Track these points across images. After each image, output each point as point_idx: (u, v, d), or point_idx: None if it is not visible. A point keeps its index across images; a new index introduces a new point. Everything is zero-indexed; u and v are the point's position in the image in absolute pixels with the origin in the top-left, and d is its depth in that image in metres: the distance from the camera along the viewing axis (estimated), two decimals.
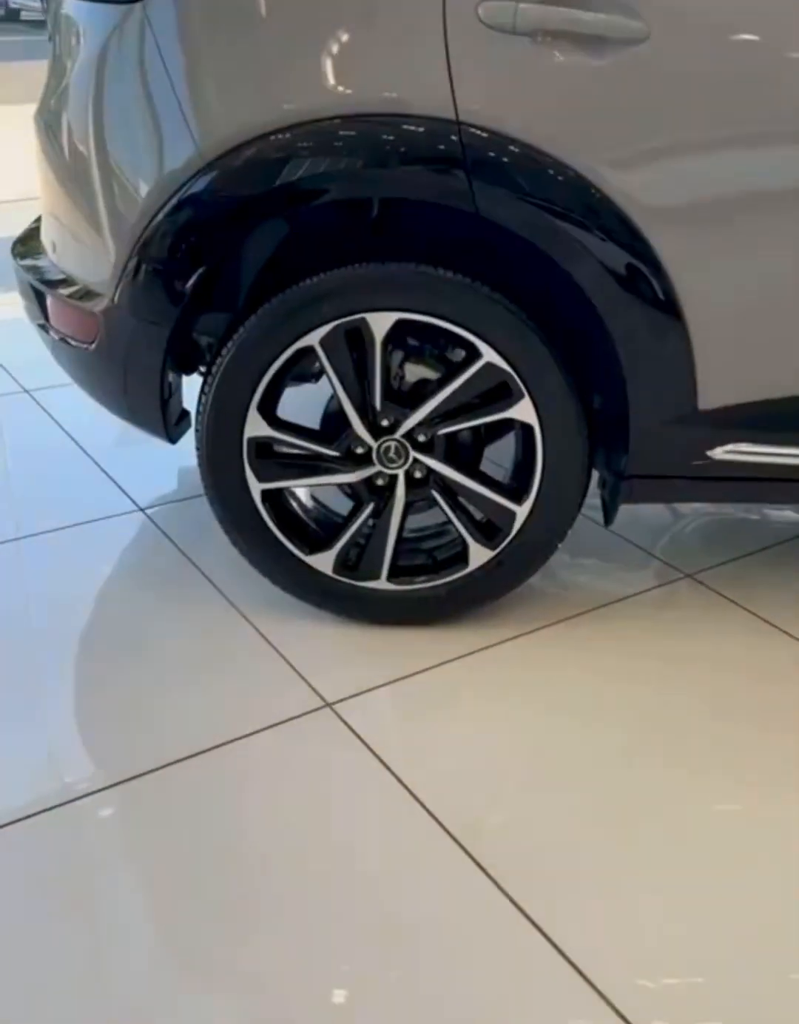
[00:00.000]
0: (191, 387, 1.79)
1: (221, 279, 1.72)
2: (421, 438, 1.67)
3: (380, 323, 1.58)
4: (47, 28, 1.89)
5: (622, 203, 1.44)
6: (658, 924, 1.28)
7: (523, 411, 1.61)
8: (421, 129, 1.45)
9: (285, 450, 1.71)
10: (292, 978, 1.20)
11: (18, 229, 2.14)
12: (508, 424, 1.67)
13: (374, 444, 1.68)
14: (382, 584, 1.76)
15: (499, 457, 1.83)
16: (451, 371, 1.63)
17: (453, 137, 1.44)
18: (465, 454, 1.71)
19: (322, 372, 1.66)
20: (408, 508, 1.73)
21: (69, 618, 1.85)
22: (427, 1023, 1.15)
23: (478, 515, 1.73)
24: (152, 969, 1.21)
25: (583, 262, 1.48)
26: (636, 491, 1.68)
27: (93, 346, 1.72)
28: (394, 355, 1.67)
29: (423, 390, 1.67)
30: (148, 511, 2.21)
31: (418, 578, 1.77)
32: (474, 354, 1.59)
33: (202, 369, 1.85)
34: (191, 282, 1.59)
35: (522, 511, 1.68)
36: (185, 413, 1.85)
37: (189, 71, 1.51)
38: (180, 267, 1.59)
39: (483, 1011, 1.17)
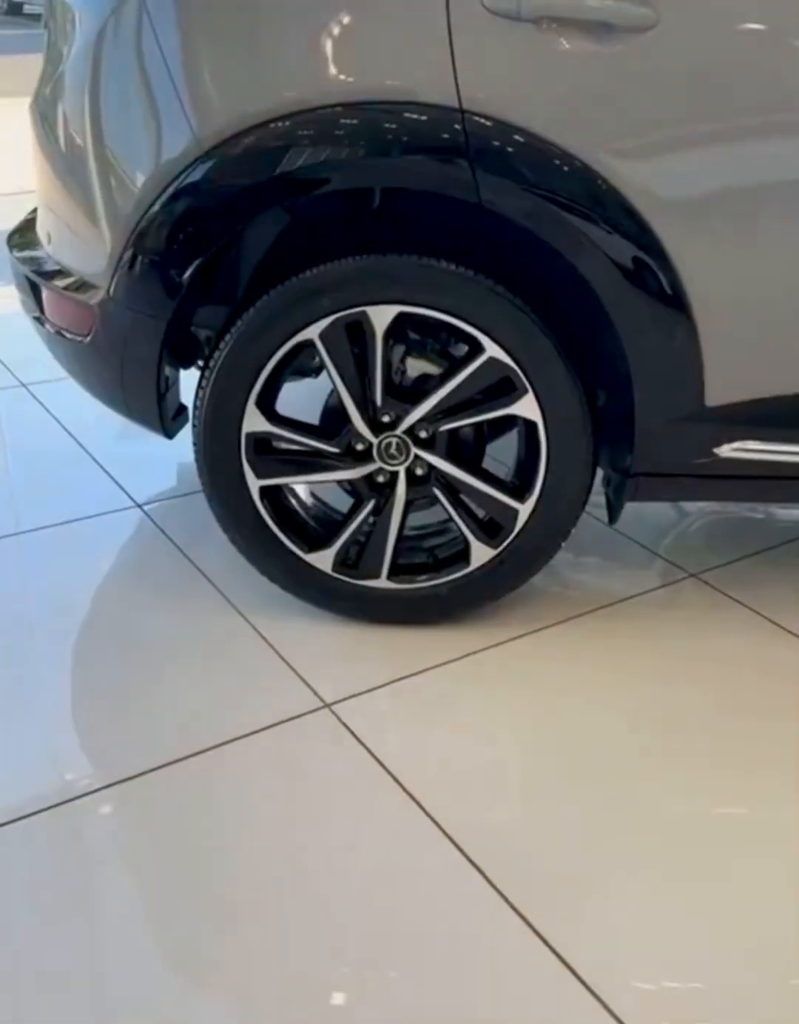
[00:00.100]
0: (189, 381, 1.77)
1: (219, 271, 1.71)
2: (422, 434, 1.65)
3: (381, 316, 1.56)
4: (43, 16, 1.87)
5: (629, 194, 1.41)
6: (657, 927, 1.26)
7: (526, 407, 1.59)
8: (424, 117, 1.43)
9: (284, 446, 1.69)
10: (290, 978, 1.19)
11: (15, 222, 2.12)
12: (511, 420, 1.65)
13: (375, 440, 1.65)
14: (382, 583, 1.74)
15: (502, 454, 1.81)
16: (453, 366, 1.62)
17: (456, 126, 1.41)
18: (467, 451, 1.69)
19: (322, 366, 1.64)
20: (409, 506, 1.71)
21: (66, 615, 1.84)
22: None
23: (480, 513, 1.71)
24: (148, 969, 1.20)
25: (589, 255, 1.46)
26: (641, 489, 1.66)
27: (89, 339, 1.71)
28: (395, 349, 1.65)
29: (425, 385, 1.65)
30: (146, 507, 2.19)
31: (419, 577, 1.75)
32: (477, 349, 1.57)
33: (200, 363, 1.83)
34: (188, 274, 1.57)
35: (525, 509, 1.67)
36: (182, 408, 1.84)
37: (186, 57, 1.48)
38: (177, 258, 1.57)
39: (479, 1013, 1.16)
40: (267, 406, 1.65)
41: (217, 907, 1.28)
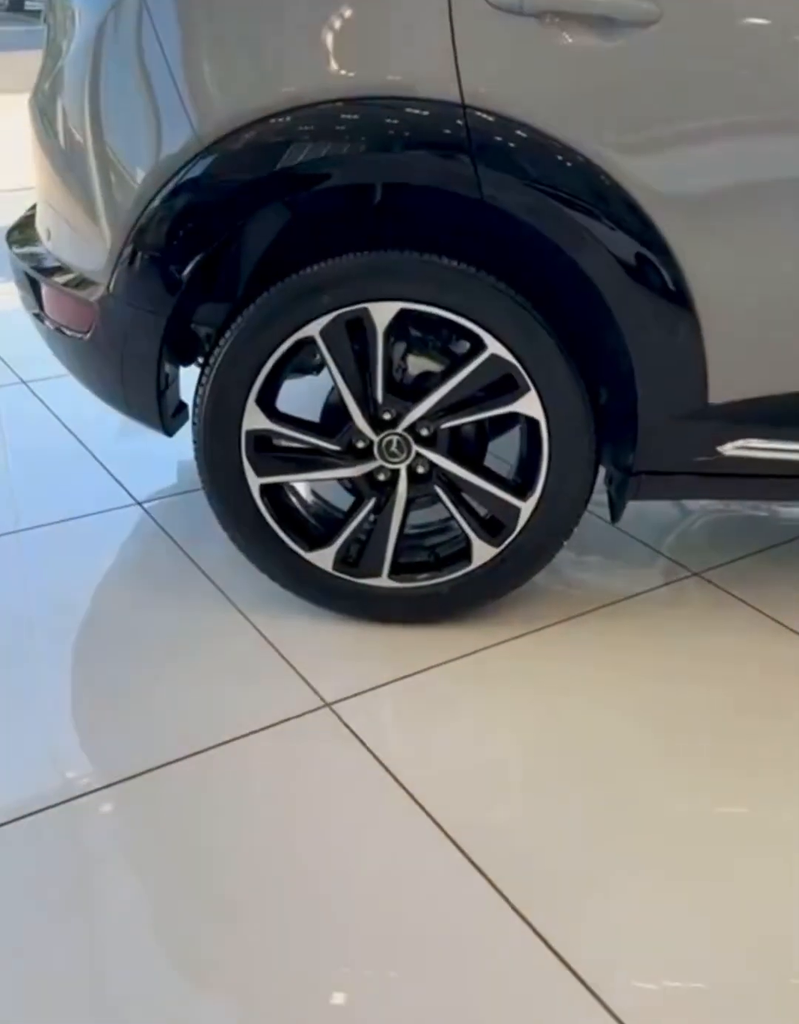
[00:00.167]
0: (189, 379, 1.77)
1: (220, 267, 1.70)
2: (424, 432, 1.64)
3: (382, 313, 1.55)
4: (43, 12, 1.86)
5: (632, 190, 1.40)
6: (658, 927, 1.26)
7: (528, 405, 1.58)
8: (425, 113, 1.42)
9: (284, 444, 1.68)
10: (290, 978, 1.19)
11: (15, 218, 2.11)
12: (513, 418, 1.64)
13: (375, 438, 1.65)
14: (383, 581, 1.73)
15: (504, 452, 1.80)
16: (455, 363, 1.61)
17: (458, 121, 1.40)
18: (469, 449, 1.69)
19: (323, 364, 1.63)
20: (410, 504, 1.70)
21: (66, 614, 1.83)
22: None
23: (482, 511, 1.70)
24: (148, 968, 1.20)
25: (591, 251, 1.45)
26: (643, 487, 1.65)
27: (88, 336, 1.70)
28: (396, 346, 1.64)
29: (426, 382, 1.64)
30: (146, 505, 2.19)
31: (420, 575, 1.74)
32: (478, 346, 1.56)
33: (200, 360, 1.82)
34: (188, 270, 1.56)
35: (527, 507, 1.66)
36: (182, 405, 1.83)
37: (186, 52, 1.47)
38: (177, 255, 1.56)
39: (479, 1013, 1.16)
40: (267, 403, 1.64)
41: (217, 907, 1.28)
